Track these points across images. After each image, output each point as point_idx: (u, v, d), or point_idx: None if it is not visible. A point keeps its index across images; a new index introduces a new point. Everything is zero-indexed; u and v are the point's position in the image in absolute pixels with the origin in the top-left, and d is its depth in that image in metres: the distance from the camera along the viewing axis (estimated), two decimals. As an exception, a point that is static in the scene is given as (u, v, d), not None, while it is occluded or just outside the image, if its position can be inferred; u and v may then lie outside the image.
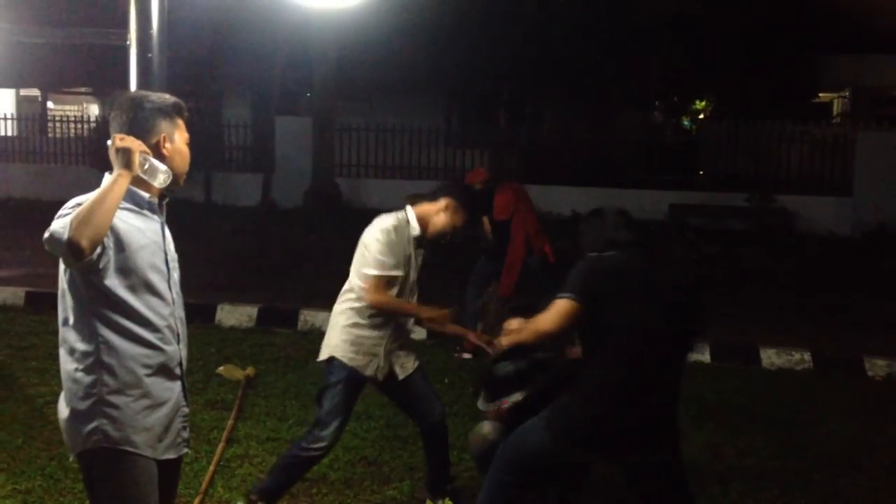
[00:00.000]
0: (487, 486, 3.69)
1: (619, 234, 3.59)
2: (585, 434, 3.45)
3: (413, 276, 4.25)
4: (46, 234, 2.52)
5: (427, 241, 4.30)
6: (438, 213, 4.27)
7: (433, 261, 4.51)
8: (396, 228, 4.15)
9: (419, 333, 6.32)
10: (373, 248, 4.12)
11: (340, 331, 4.20)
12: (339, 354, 4.18)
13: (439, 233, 4.29)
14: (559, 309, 3.40)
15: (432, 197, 4.32)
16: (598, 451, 3.50)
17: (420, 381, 4.36)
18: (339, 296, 4.30)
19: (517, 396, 3.96)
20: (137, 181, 2.67)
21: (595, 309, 3.40)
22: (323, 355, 4.25)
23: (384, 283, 4.11)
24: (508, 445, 3.64)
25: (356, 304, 4.19)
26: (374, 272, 4.09)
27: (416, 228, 4.22)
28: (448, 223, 4.29)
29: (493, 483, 3.66)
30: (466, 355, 7.30)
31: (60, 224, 2.49)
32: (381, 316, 4.17)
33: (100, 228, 2.49)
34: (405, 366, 4.29)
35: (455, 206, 4.28)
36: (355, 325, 4.18)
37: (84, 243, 2.45)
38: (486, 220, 7.45)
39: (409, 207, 4.30)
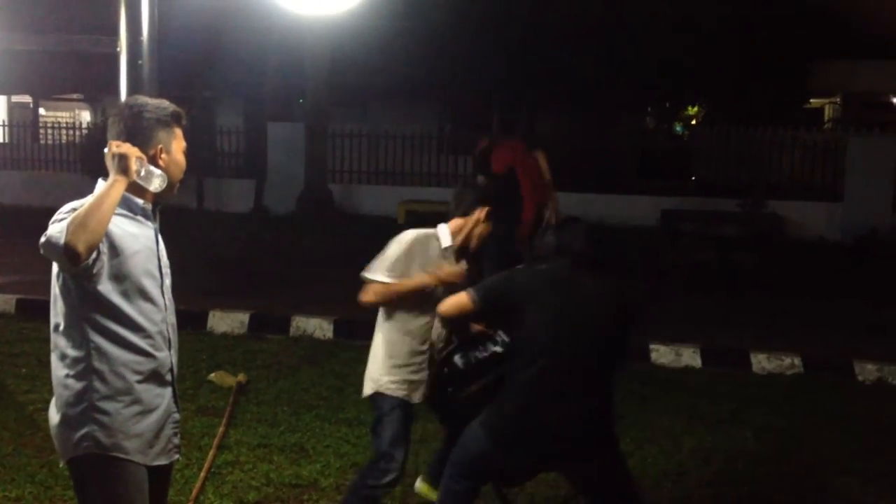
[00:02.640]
0: (441, 495, 3.71)
1: (549, 248, 3.69)
2: (514, 435, 3.51)
3: (440, 290, 4.03)
4: (43, 239, 2.53)
5: (469, 252, 4.20)
6: (478, 224, 4.16)
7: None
8: (416, 240, 4.04)
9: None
10: (383, 253, 4.02)
11: (381, 363, 4.05)
12: (383, 389, 4.02)
13: (481, 241, 4.22)
14: (458, 301, 3.63)
15: (464, 211, 4.16)
16: (529, 454, 3.53)
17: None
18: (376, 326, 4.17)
19: (471, 388, 3.96)
20: (131, 187, 2.68)
21: (495, 314, 3.65)
22: (367, 390, 4.08)
23: (380, 288, 3.96)
24: (455, 451, 3.69)
25: (391, 334, 4.06)
26: (368, 275, 3.98)
27: (445, 240, 4.10)
28: (487, 229, 4.20)
29: (446, 492, 3.68)
30: None
31: (57, 229, 2.51)
32: (417, 341, 4.04)
33: (96, 233, 2.50)
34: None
35: (489, 211, 4.18)
36: (394, 354, 4.04)
37: (80, 248, 2.46)
38: (482, 179, 7.59)
39: (442, 225, 4.17)
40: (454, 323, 3.84)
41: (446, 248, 4.10)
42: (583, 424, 3.47)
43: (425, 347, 4.06)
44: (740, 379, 7.14)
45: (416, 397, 4.06)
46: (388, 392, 4.01)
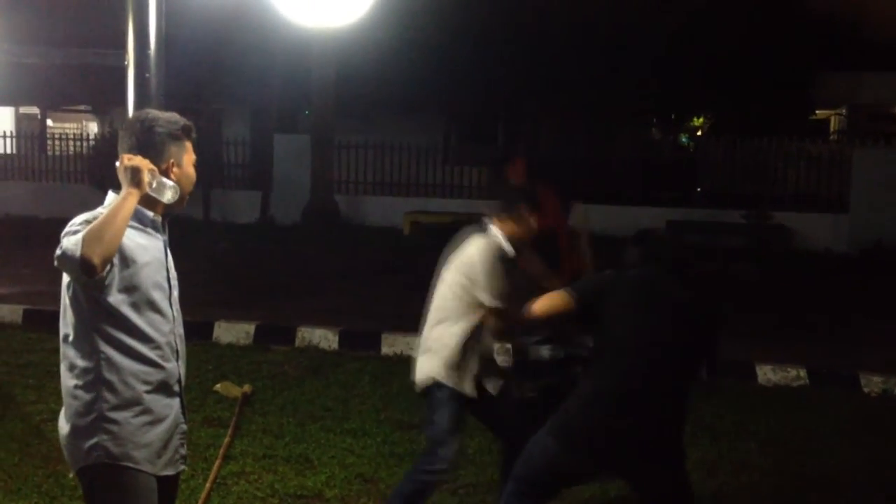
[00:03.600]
0: None
1: (637, 255, 3.64)
2: (583, 438, 3.44)
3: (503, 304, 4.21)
4: (58, 252, 2.55)
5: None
6: (522, 224, 4.22)
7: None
8: (498, 256, 4.14)
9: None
10: (483, 277, 4.09)
11: (437, 355, 4.15)
12: (440, 376, 4.13)
13: (524, 243, 4.27)
14: (553, 297, 3.60)
15: (508, 210, 4.22)
16: (596, 458, 3.47)
17: (507, 399, 4.35)
18: (430, 326, 4.22)
19: (543, 383, 3.93)
20: (141, 199, 2.69)
21: (592, 313, 3.53)
22: (423, 380, 4.17)
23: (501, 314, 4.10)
24: (519, 462, 3.62)
25: (453, 328, 4.15)
26: (496, 303, 4.06)
27: (510, 249, 4.19)
28: (530, 230, 4.25)
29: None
30: None
31: (72, 242, 2.52)
32: (477, 344, 4.16)
33: (111, 246, 2.53)
34: (495, 385, 4.28)
35: (529, 210, 4.22)
36: (455, 354, 4.14)
37: (96, 260, 2.49)
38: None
39: (495, 228, 4.21)
40: (543, 322, 3.79)
41: (512, 258, 4.20)
42: (650, 429, 3.41)
43: (477, 349, 4.19)
44: (745, 390, 7.13)
45: (468, 389, 4.15)
46: (446, 381, 4.11)
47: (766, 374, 7.40)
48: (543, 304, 3.61)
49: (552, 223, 7.46)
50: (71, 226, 2.63)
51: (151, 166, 2.69)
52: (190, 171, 2.88)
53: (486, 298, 4.08)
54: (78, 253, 2.49)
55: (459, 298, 4.15)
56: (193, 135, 2.90)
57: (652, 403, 3.42)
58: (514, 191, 4.26)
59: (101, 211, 2.67)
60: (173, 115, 2.88)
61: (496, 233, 4.20)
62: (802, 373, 7.35)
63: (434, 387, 4.16)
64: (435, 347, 4.20)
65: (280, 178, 17.29)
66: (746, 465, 5.49)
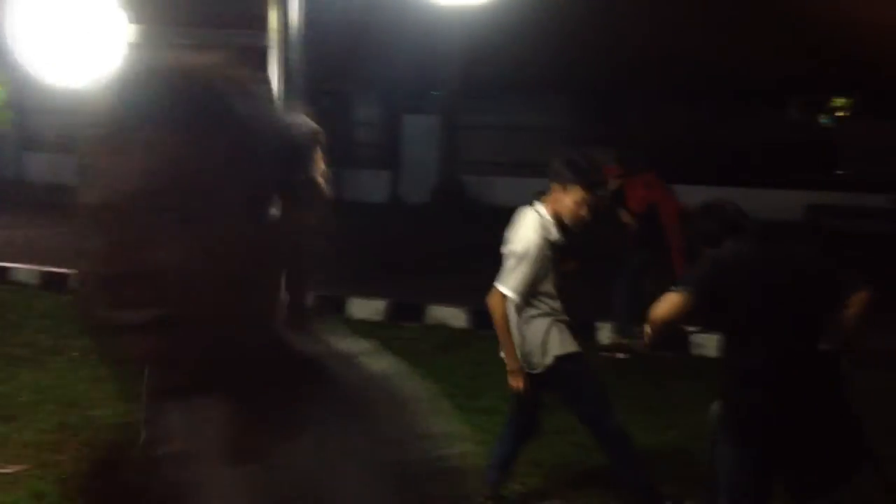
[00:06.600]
0: None
1: (726, 226, 3.55)
2: (749, 428, 3.36)
3: (551, 281, 4.25)
4: None
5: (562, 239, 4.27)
6: (574, 203, 4.19)
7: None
8: (539, 234, 4.16)
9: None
10: (511, 260, 4.19)
11: (547, 331, 4.26)
12: (561, 350, 4.29)
13: (575, 223, 4.25)
14: (671, 300, 3.45)
15: (560, 185, 4.22)
16: (770, 447, 3.37)
17: None
18: (519, 308, 4.28)
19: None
20: None
21: (714, 304, 3.43)
22: (548, 360, 4.27)
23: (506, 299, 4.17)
24: (720, 486, 3.52)
25: (545, 306, 4.26)
26: (504, 290, 4.15)
27: (555, 233, 4.20)
28: (581, 212, 4.21)
29: None
30: (620, 355, 7.37)
31: None
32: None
33: None
34: None
35: (584, 194, 4.19)
36: (556, 321, 4.28)
37: None
38: (623, 212, 7.51)
39: (541, 207, 4.23)
40: (665, 328, 3.71)
41: (556, 241, 4.18)
42: (805, 412, 3.31)
43: None
44: (891, 383, 6.81)
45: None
46: (567, 350, 4.34)
47: (914, 365, 7.04)
48: (663, 309, 3.47)
49: (656, 199, 7.49)
50: None
51: None
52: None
53: (504, 282, 4.16)
54: None
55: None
56: (322, 139, 2.70)
57: (797, 377, 3.31)
58: (572, 169, 4.23)
59: None
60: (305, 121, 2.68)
61: (542, 211, 4.21)
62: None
63: (561, 360, 4.26)
64: (538, 327, 4.31)
65: (409, 159, 17.48)
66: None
